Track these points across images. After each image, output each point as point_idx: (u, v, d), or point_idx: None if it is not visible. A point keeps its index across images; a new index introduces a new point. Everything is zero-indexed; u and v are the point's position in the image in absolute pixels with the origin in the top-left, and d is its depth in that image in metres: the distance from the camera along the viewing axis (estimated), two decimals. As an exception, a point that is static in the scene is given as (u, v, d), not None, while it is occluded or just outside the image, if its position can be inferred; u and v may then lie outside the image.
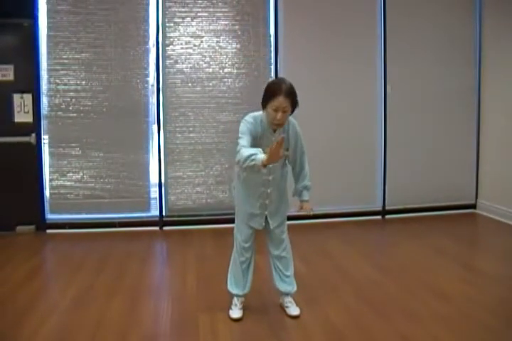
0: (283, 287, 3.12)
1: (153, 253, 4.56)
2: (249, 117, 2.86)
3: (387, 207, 5.48)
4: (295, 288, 3.15)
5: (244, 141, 2.73)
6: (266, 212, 3.03)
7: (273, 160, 2.56)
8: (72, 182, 4.99)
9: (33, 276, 3.77)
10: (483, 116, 5.60)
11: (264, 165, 2.57)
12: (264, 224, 3.04)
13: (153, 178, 5.10)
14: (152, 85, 5.02)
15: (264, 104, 2.79)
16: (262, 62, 5.16)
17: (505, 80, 5.23)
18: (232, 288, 3.10)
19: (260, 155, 2.56)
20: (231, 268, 3.14)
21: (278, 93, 2.71)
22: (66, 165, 4.97)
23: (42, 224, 4.95)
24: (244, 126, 2.80)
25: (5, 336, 2.81)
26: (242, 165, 2.66)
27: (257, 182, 2.96)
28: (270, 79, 2.87)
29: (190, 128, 5.10)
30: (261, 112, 2.88)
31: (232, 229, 3.12)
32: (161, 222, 5.10)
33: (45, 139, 4.92)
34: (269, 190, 2.99)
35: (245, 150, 2.64)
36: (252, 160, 2.58)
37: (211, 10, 5.04)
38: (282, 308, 3.13)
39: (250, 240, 3.06)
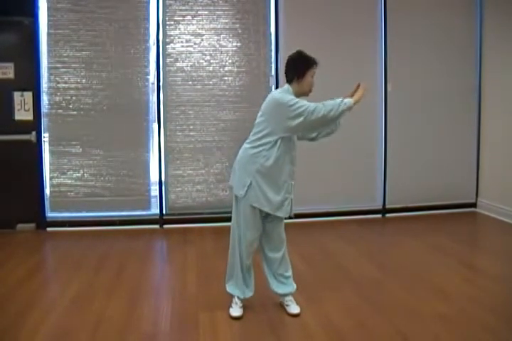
0: (283, 289, 3.11)
1: (154, 251, 4.56)
2: (283, 91, 2.94)
3: (387, 206, 5.48)
4: (295, 287, 3.15)
5: (306, 101, 2.83)
6: (291, 196, 2.99)
7: (360, 101, 2.91)
8: (73, 180, 4.99)
9: (33, 274, 3.77)
10: (483, 116, 5.59)
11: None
12: (289, 211, 2.99)
13: (154, 176, 5.11)
14: (152, 83, 5.02)
15: (303, 73, 2.92)
16: (263, 60, 5.15)
17: (505, 80, 5.22)
18: (233, 290, 3.09)
19: (347, 99, 2.87)
20: (231, 272, 3.10)
21: (315, 61, 2.95)
22: (66, 163, 4.97)
23: (42, 222, 4.95)
24: (289, 96, 2.87)
25: (5, 334, 2.81)
26: (336, 112, 2.82)
27: (287, 160, 2.93)
28: (291, 54, 3.01)
29: (191, 127, 5.10)
30: (285, 86, 2.96)
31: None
32: (161, 220, 5.10)
33: (46, 137, 4.92)
34: (294, 168, 3.01)
35: (328, 101, 2.84)
36: (345, 103, 2.84)
37: (211, 8, 5.03)
38: (282, 307, 3.13)
39: (256, 242, 3.05)
